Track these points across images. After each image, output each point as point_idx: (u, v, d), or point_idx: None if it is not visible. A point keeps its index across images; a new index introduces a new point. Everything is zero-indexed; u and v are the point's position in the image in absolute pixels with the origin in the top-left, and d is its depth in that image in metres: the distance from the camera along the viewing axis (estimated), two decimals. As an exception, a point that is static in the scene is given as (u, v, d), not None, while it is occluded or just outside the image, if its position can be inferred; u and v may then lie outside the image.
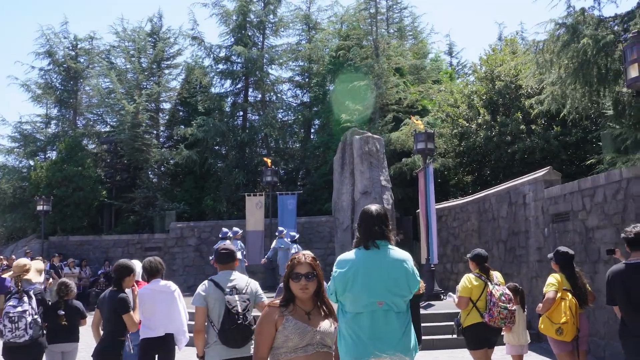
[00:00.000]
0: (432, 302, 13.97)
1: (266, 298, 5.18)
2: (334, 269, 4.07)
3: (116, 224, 25.97)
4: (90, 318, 6.77)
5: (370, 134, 18.77)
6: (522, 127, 17.99)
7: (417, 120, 16.37)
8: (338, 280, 3.97)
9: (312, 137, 25.85)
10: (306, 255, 3.74)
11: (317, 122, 24.93)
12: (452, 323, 7.40)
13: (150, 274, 5.99)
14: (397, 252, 4.07)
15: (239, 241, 17.28)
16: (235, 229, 17.44)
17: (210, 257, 17.49)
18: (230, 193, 23.75)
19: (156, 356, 5.91)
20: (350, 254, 4.09)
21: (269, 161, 21.31)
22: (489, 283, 6.82)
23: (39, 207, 21.92)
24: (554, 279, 6.64)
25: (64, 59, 27.52)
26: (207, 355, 4.96)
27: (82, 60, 28.29)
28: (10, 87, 69.09)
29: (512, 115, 18.28)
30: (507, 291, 6.88)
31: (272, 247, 17.94)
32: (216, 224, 22.23)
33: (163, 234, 22.84)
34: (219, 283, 5.03)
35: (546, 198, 11.39)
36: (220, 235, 17.32)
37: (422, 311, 11.94)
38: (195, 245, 22.15)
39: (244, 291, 5.04)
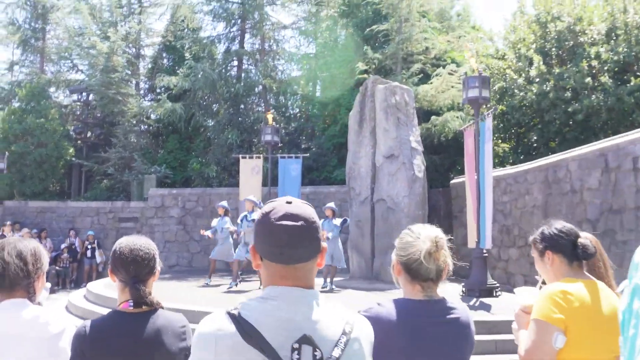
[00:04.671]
0: (486, 301, 10.58)
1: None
2: None
3: (86, 189, 22.26)
4: None
5: (397, 84, 15.14)
6: (588, 80, 14.39)
7: (470, 50, 12.66)
8: None
9: (317, 93, 22.15)
10: None
11: (324, 74, 21.16)
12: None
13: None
14: None
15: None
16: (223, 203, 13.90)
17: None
18: (222, 155, 20.06)
19: None
20: None
21: (269, 116, 17.62)
22: None
23: (-9, 165, 18.30)
24: None
25: (28, -9, 23.51)
26: None
27: (50, -6, 24.26)
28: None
29: (576, 65, 14.65)
30: None
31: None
32: (203, 191, 18.64)
33: (141, 202, 19.21)
34: (256, 331, 1.54)
35: (682, 162, 7.90)
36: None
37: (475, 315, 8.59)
38: (179, 217, 18.52)
39: (334, 353, 1.55)
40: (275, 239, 1.61)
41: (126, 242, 2.36)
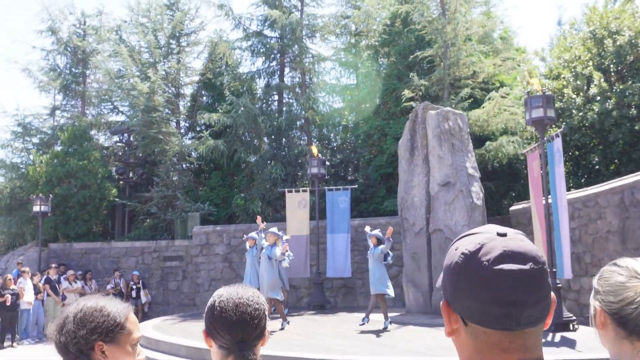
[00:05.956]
0: (567, 336, 9.70)
1: None
2: None
3: (129, 229, 21.98)
4: None
5: (449, 109, 14.54)
6: (656, 95, 13.57)
7: (533, 76, 12.01)
8: None
9: (361, 124, 21.62)
10: None
11: (368, 104, 20.66)
12: None
13: None
14: None
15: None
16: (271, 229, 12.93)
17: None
18: (266, 190, 19.58)
19: None
20: None
21: (315, 150, 17.11)
22: None
23: (36, 208, 18.18)
24: None
25: (69, 38, 23.72)
26: None
27: (90, 40, 24.51)
28: (9, 72, 64.73)
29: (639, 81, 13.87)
30: None
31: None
32: (249, 227, 18.07)
33: (185, 241, 18.79)
34: None
35: None
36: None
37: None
38: (224, 254, 18.04)
39: None
40: (497, 294, 1.03)
41: (228, 294, 1.70)
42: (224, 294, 1.70)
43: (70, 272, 17.22)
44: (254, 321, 1.65)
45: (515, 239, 1.10)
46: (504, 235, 1.09)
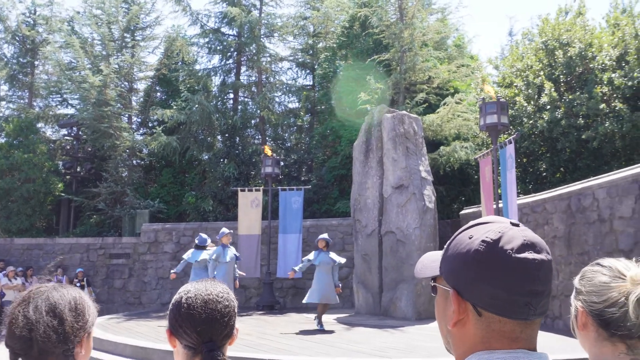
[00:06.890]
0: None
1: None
2: None
3: (75, 225, 21.34)
4: None
5: (405, 112, 14.63)
6: (602, 106, 13.97)
7: (487, 84, 12.21)
8: None
9: (316, 125, 21.60)
10: None
11: (323, 106, 20.63)
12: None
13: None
14: None
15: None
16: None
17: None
18: (218, 189, 19.31)
19: None
20: None
21: (268, 150, 16.99)
22: None
23: (-24, 201, 17.41)
24: None
25: (17, 27, 22.92)
26: None
27: (40, 30, 23.75)
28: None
29: (588, 92, 14.25)
30: None
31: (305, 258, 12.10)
32: (199, 226, 17.84)
33: (133, 238, 18.35)
34: None
35: None
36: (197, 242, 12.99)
37: None
38: (173, 252, 17.67)
39: None
40: (521, 282, 1.04)
41: (196, 290, 1.58)
42: (191, 289, 1.59)
43: (10, 268, 16.58)
44: (224, 319, 1.55)
45: (527, 230, 1.10)
46: (518, 225, 1.10)
